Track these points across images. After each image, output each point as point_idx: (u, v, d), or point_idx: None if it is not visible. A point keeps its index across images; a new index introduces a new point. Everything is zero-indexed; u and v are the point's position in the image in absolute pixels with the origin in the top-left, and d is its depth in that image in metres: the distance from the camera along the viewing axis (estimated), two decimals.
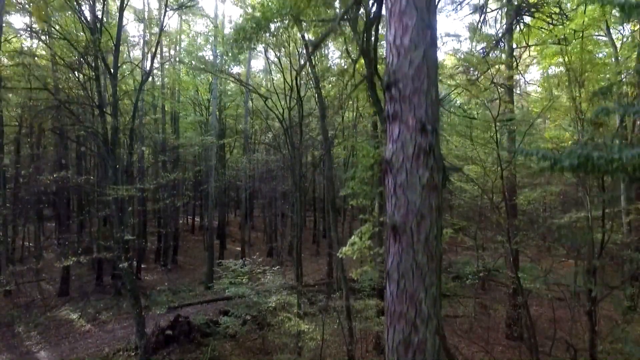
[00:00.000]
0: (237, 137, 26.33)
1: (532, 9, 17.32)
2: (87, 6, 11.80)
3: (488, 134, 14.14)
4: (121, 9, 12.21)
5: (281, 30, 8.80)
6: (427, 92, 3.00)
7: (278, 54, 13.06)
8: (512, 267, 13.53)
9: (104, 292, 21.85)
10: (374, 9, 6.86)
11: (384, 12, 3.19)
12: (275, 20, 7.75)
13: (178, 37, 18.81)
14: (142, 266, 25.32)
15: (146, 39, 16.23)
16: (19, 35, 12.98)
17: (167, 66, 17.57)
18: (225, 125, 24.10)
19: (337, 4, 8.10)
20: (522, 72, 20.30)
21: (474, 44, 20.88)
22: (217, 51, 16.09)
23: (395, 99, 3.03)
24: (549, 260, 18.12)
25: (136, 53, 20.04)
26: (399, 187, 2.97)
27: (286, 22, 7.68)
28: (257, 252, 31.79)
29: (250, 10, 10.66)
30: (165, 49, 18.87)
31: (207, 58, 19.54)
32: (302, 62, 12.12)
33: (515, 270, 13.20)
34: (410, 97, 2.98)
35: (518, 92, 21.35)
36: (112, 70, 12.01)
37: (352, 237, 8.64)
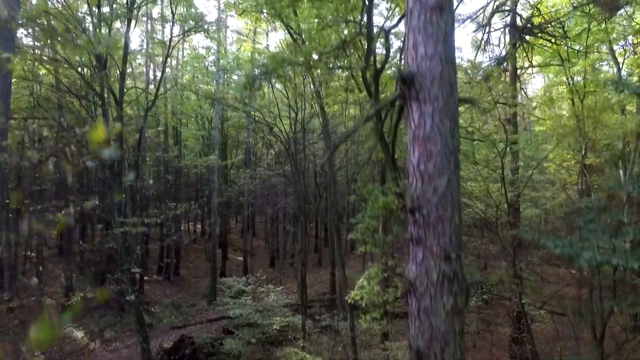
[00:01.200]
0: (240, 147, 26.31)
1: (535, 29, 17.36)
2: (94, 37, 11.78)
3: (491, 157, 14.19)
4: (126, 38, 12.21)
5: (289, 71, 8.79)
6: (451, 219, 3.03)
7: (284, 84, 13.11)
8: (515, 292, 13.59)
9: (107, 307, 21.85)
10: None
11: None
12: (285, 67, 7.75)
13: (182, 60, 18.93)
14: (145, 278, 25.37)
15: (150, 66, 16.37)
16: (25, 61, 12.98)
17: (170, 85, 17.61)
18: (227, 136, 24.10)
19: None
20: (525, 90, 20.36)
21: (477, 61, 20.93)
22: (220, 73, 16.20)
23: (419, 224, 3.06)
24: (552, 272, 18.27)
25: (142, 65, 20.10)
26: (422, 312, 3.01)
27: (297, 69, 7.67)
28: (259, 261, 31.86)
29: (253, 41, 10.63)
30: (168, 68, 18.95)
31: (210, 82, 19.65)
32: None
33: (520, 296, 13.27)
34: (434, 224, 3.01)
35: (521, 112, 21.38)
36: (117, 98, 12.01)
37: (361, 280, 8.66)
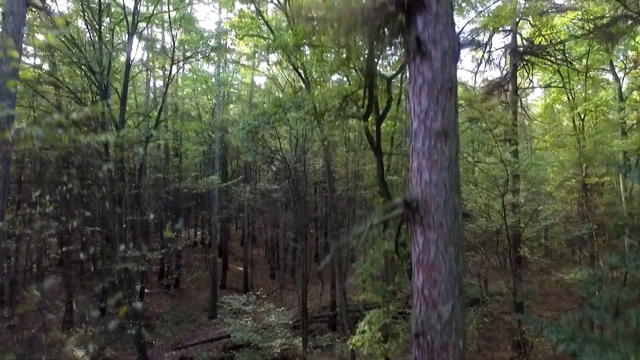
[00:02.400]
0: (240, 158, 26.25)
1: (536, 52, 17.32)
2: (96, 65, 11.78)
3: (492, 179, 14.19)
4: (127, 67, 12.19)
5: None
6: (455, 346, 3.03)
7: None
8: (516, 319, 13.61)
9: (107, 322, 21.83)
10: None
11: (412, 258, 3.20)
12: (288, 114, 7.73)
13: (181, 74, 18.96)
14: (146, 290, 25.35)
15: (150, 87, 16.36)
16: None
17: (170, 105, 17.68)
18: (227, 146, 24.05)
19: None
20: (526, 110, 20.34)
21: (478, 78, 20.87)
22: (219, 91, 16.24)
23: (423, 348, 3.06)
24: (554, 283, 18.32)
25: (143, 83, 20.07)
26: None
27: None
28: (259, 272, 31.85)
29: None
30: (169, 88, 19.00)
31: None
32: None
33: (519, 324, 13.31)
34: (438, 350, 3.01)
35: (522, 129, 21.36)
36: (118, 126, 12.00)
37: (362, 324, 8.66)
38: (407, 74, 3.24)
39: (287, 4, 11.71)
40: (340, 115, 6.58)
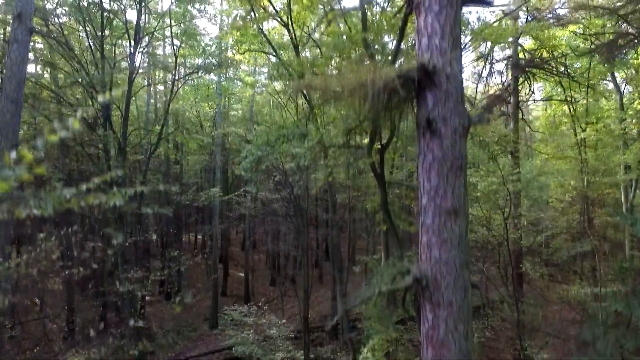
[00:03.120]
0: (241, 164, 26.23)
1: (537, 64, 17.32)
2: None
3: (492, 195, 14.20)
4: (129, 85, 12.18)
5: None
6: None
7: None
8: (517, 337, 13.64)
9: (109, 333, 21.81)
10: None
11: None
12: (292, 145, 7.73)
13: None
14: (147, 299, 25.32)
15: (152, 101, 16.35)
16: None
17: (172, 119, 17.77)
18: (228, 155, 24.05)
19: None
20: (528, 123, 20.33)
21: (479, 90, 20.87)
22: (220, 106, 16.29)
23: None
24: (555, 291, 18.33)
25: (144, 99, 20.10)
26: None
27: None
28: (260, 278, 31.85)
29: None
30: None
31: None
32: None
33: (520, 342, 13.34)
34: None
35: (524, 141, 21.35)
36: (120, 145, 12.00)
37: (364, 351, 8.68)
38: (417, 149, 3.26)
39: (290, 20, 11.69)
40: (345, 149, 6.58)
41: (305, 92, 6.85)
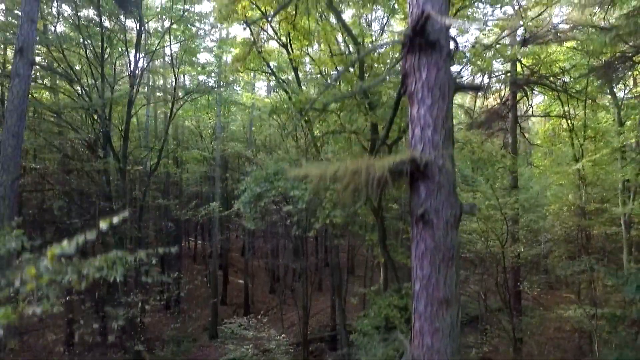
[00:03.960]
0: (239, 172, 26.35)
1: (536, 80, 17.40)
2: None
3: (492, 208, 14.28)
4: (129, 107, 12.27)
5: None
6: None
7: None
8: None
9: (108, 344, 21.87)
10: None
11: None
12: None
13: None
14: (146, 307, 25.40)
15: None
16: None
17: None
18: (228, 163, 24.13)
19: None
20: (526, 136, 20.44)
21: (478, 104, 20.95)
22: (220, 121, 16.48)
23: None
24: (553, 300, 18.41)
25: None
26: None
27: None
28: (260, 285, 31.92)
29: None
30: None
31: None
32: None
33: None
34: None
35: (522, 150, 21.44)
36: (121, 165, 12.08)
37: None
38: (411, 234, 3.34)
39: (289, 42, 11.75)
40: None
41: (306, 131, 6.90)
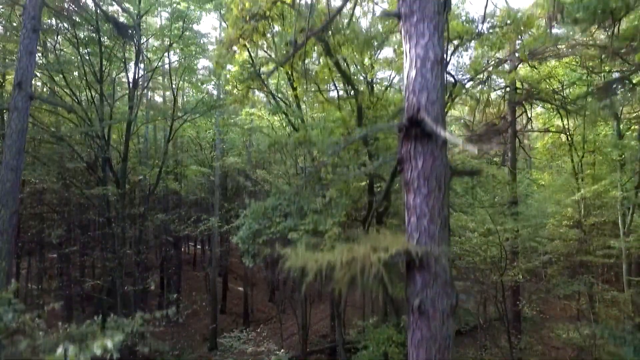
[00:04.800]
0: (240, 189, 26.34)
1: (534, 92, 17.40)
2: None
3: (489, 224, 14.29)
4: (128, 130, 12.27)
5: None
6: None
7: None
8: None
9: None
10: None
11: None
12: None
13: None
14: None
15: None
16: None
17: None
18: (227, 175, 24.13)
19: None
20: (525, 149, 20.46)
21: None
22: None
23: None
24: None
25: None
26: None
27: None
28: (259, 293, 31.93)
29: None
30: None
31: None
32: None
33: None
34: None
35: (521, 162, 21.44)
36: (120, 190, 12.10)
37: None
38: (407, 322, 3.36)
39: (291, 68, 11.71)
40: (343, 233, 6.68)
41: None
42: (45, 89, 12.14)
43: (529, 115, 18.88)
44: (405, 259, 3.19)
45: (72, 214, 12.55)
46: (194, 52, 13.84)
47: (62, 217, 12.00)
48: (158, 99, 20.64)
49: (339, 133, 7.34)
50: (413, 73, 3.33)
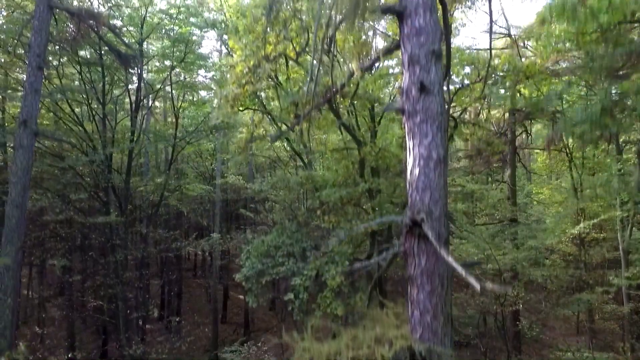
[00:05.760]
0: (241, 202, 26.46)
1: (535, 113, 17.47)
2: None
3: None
4: (129, 157, 12.36)
5: None
6: None
7: None
8: None
9: None
10: None
11: None
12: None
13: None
14: (147, 326, 25.43)
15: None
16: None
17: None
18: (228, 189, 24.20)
19: None
20: (526, 166, 20.57)
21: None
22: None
23: None
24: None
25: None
26: None
27: None
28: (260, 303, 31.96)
29: None
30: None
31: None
32: None
33: None
34: None
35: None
36: (122, 209, 12.19)
37: None
38: None
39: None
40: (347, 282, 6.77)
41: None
42: (48, 112, 12.20)
43: (529, 131, 18.95)
44: (409, 356, 3.29)
45: (74, 238, 12.65)
46: (196, 71, 13.93)
47: (65, 242, 12.10)
48: (158, 111, 20.62)
49: (342, 175, 7.44)
50: (417, 171, 3.42)
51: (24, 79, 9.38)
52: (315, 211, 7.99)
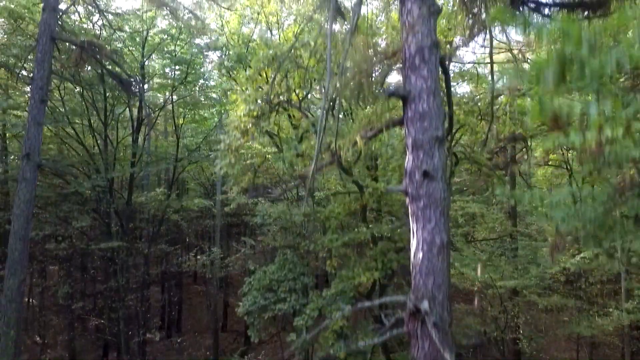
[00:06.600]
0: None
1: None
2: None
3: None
4: (131, 181, 12.40)
5: None
6: None
7: None
8: None
9: None
10: None
11: None
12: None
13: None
14: (147, 335, 25.46)
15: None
16: None
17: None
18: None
19: None
20: (526, 180, 20.56)
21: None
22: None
23: None
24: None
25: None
26: None
27: None
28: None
29: None
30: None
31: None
32: None
33: None
34: None
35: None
36: (124, 229, 12.23)
37: None
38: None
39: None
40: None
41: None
42: (50, 133, 12.24)
43: (529, 144, 18.95)
44: None
45: (75, 259, 12.71)
46: (197, 91, 13.99)
47: (67, 264, 12.16)
48: (159, 127, 20.65)
49: (345, 213, 7.53)
50: (420, 255, 3.48)
51: (26, 108, 9.41)
52: (317, 252, 8.06)
